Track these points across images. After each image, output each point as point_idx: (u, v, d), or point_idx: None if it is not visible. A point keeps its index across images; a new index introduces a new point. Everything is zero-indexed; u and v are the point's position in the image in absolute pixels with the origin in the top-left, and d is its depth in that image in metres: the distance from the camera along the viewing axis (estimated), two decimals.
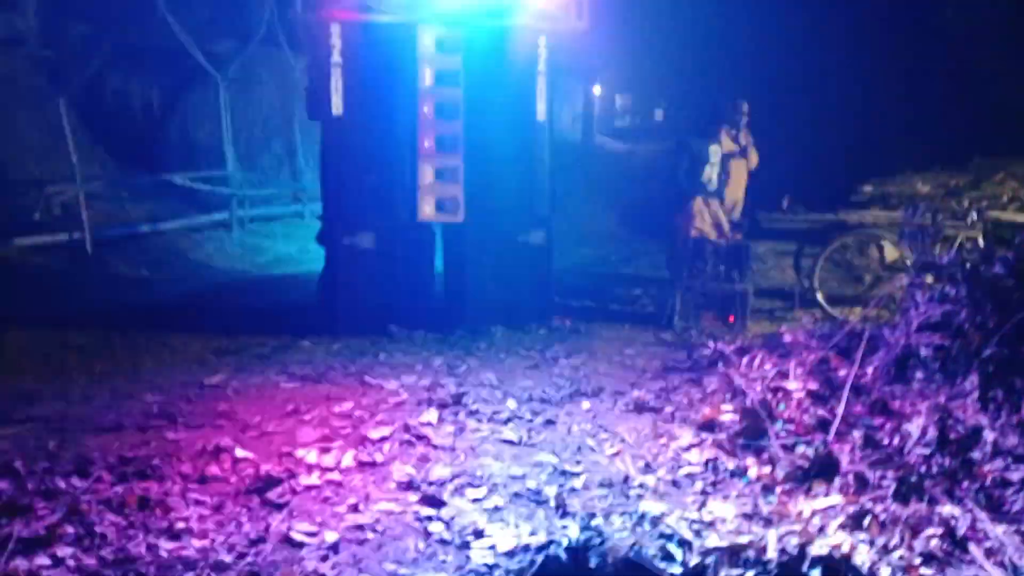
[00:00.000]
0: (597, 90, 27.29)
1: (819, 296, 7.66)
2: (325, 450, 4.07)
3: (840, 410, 4.01)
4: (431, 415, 4.61)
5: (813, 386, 4.33)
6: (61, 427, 4.48)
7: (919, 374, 4.64)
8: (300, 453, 4.03)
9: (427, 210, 6.76)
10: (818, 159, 14.11)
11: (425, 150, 6.68)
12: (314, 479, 3.76)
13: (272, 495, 3.58)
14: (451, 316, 6.90)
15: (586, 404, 4.93)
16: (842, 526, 3.37)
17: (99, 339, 6.58)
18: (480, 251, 6.87)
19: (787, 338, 4.77)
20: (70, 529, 3.23)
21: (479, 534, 3.27)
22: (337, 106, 6.32)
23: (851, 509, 3.48)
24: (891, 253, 8.13)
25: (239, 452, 4.02)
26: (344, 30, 6.25)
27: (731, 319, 7.14)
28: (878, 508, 3.49)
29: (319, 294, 7.04)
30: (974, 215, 7.79)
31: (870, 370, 4.54)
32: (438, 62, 6.59)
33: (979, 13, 14.87)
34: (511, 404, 4.88)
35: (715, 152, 7.48)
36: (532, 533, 3.27)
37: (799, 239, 8.67)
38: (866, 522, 3.39)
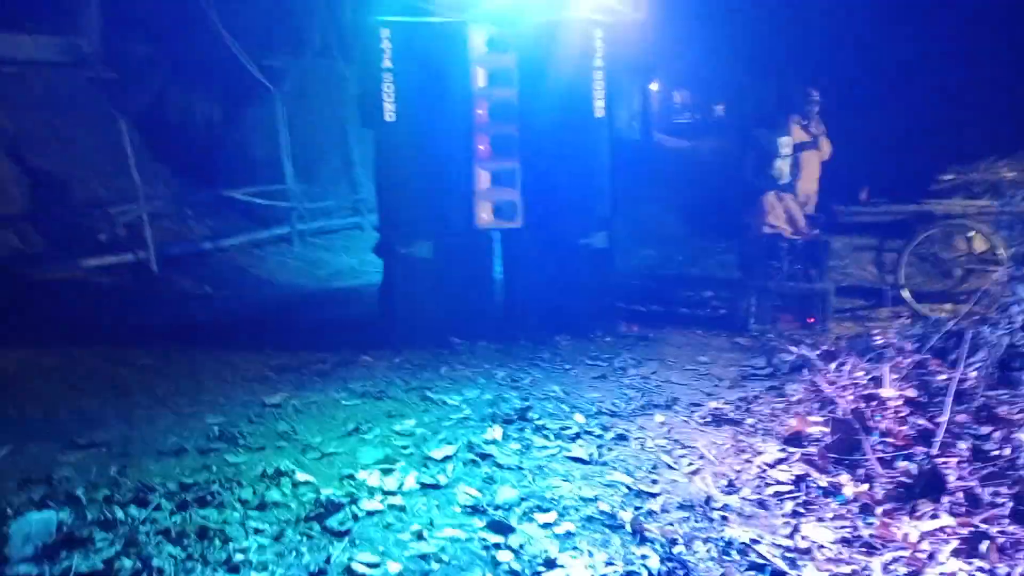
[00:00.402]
0: (654, 86, 26.79)
1: (905, 293, 7.18)
2: (387, 471, 3.88)
3: (944, 419, 3.63)
4: (495, 432, 4.38)
5: (911, 393, 3.96)
6: (124, 452, 4.40)
7: None
8: (361, 475, 3.84)
9: (484, 216, 6.55)
10: (894, 147, 13.44)
11: (480, 154, 6.47)
12: (376, 503, 3.57)
13: (333, 522, 3.40)
14: (513, 325, 6.67)
15: (660, 417, 4.63)
16: (956, 552, 3.02)
17: (163, 358, 6.54)
18: (540, 257, 6.63)
19: (878, 340, 4.39)
20: (127, 563, 3.10)
21: (551, 564, 3.03)
22: (389, 112, 6.15)
23: (964, 532, 3.12)
24: (980, 244, 7.60)
25: (300, 475, 3.86)
26: (394, 33, 6.09)
27: (811, 321, 6.73)
28: (995, 530, 3.12)
29: (379, 307, 6.89)
30: None
31: (972, 373, 4.13)
32: (491, 62, 6.38)
33: None
34: (579, 418, 4.62)
35: (785, 144, 7.07)
36: (608, 563, 3.00)
37: (880, 233, 8.19)
38: (983, 547, 3.03)
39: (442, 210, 6.44)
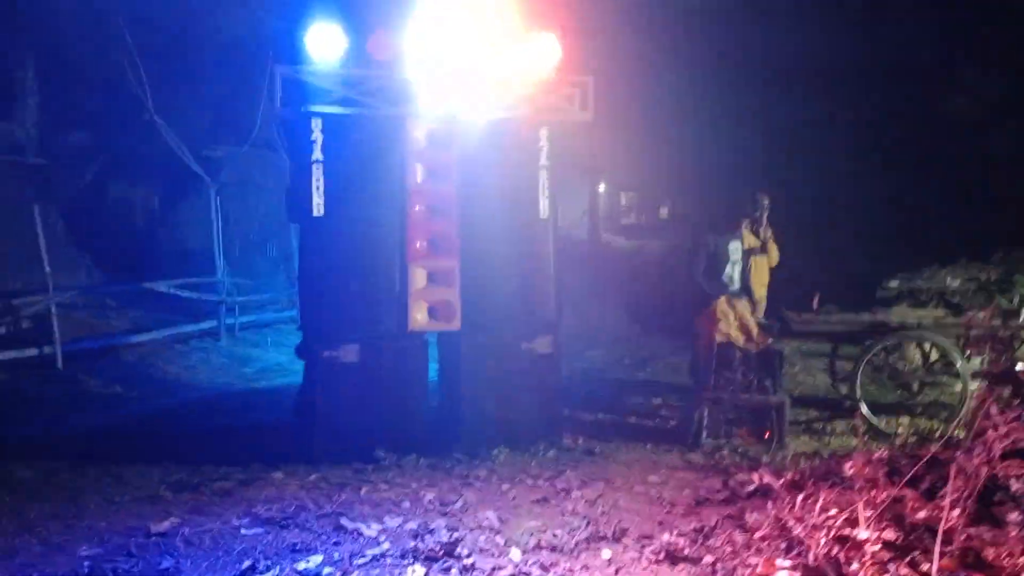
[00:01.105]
0: (601, 187, 27.12)
1: (863, 409, 6.82)
2: None
3: (934, 569, 3.15)
4: (416, 572, 3.76)
5: (889, 535, 3.48)
6: None
7: (1014, 515, 3.80)
8: None
9: (419, 318, 6.06)
10: (838, 254, 13.51)
11: (416, 252, 6.03)
12: None
13: None
14: (447, 437, 6.09)
15: (606, 553, 4.07)
16: None
17: (45, 472, 5.77)
18: (479, 362, 6.13)
19: (849, 470, 3.94)
20: None
21: None
22: (318, 206, 5.71)
23: None
24: (935, 356, 7.35)
25: None
26: (326, 125, 5.70)
27: (767, 435, 6.29)
28: None
29: (297, 414, 6.26)
30: None
31: (953, 510, 3.69)
32: (430, 157, 6.02)
33: (990, 102, 14.55)
34: (515, 555, 4.02)
35: (736, 249, 6.80)
36: None
37: (834, 341, 7.92)
38: None
39: (372, 311, 5.93)
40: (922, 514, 3.64)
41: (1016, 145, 13.51)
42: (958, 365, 6.80)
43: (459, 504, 4.88)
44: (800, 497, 3.97)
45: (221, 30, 13.74)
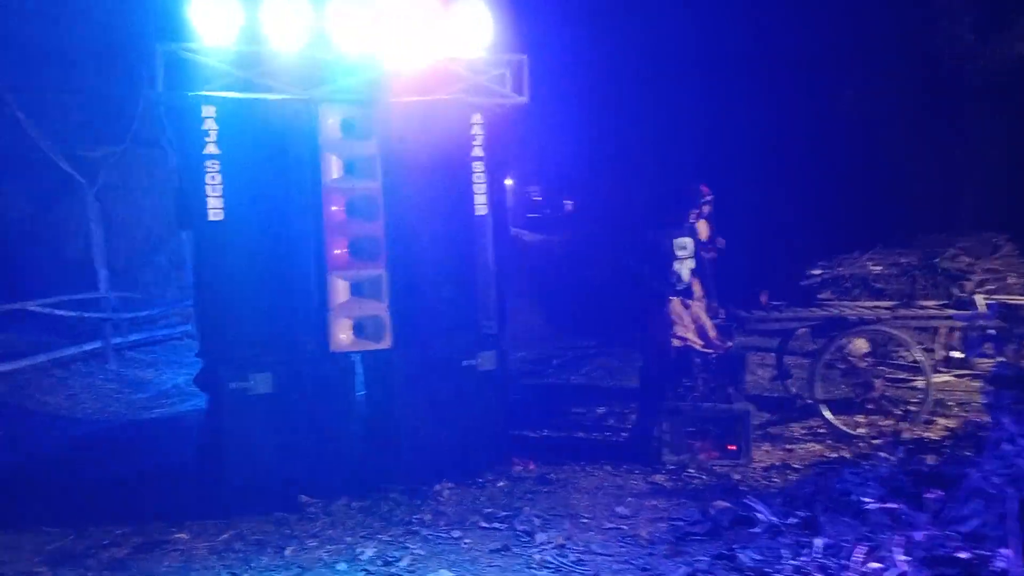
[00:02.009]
0: (509, 181, 26.56)
1: (826, 412, 6.39)
2: None
3: None
4: None
5: None
6: None
7: None
8: None
9: (342, 336, 5.21)
10: (757, 245, 13.27)
11: (336, 259, 5.18)
12: None
13: None
14: (381, 472, 5.29)
15: None
16: None
17: None
18: (415, 384, 5.34)
19: (869, 505, 3.37)
20: None
21: None
22: (215, 209, 4.78)
23: None
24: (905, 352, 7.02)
25: None
26: (221, 113, 4.78)
27: (731, 448, 5.75)
28: None
29: (202, 457, 5.32)
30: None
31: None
32: (347, 149, 5.17)
33: (887, 96, 14.64)
34: None
35: (684, 245, 6.24)
36: None
37: (783, 338, 7.50)
38: None
39: (286, 331, 5.05)
40: (963, 555, 3.10)
41: (927, 130, 13.63)
42: (919, 359, 6.46)
43: (405, 561, 4.11)
44: (819, 542, 3.37)
45: (93, 11, 12.35)
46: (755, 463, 5.73)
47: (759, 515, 4.01)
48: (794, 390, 7.71)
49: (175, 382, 10.27)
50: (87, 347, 10.44)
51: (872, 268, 11.88)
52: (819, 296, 10.80)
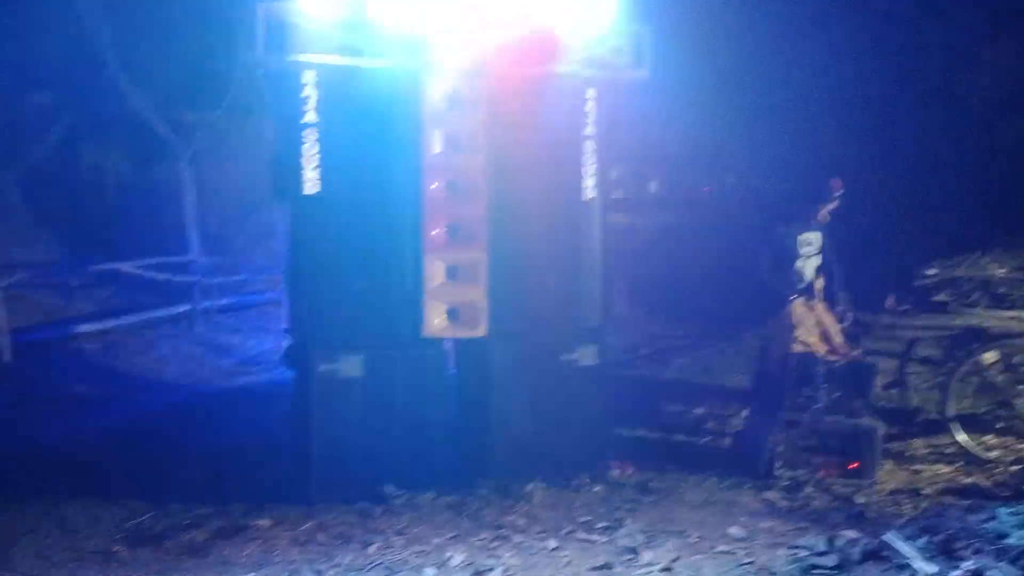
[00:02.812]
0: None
1: (961, 436, 5.77)
2: None
3: None
4: None
5: None
6: None
7: None
8: None
9: (436, 321, 4.90)
10: (868, 241, 12.43)
11: (433, 240, 4.85)
12: None
13: None
14: (470, 466, 4.98)
15: None
16: None
17: None
18: (509, 375, 5.01)
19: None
20: None
21: None
22: (311, 182, 4.51)
23: None
24: None
25: None
26: (321, 79, 4.49)
27: (852, 466, 5.23)
28: None
29: (286, 438, 5.12)
30: None
31: None
32: (451, 122, 4.82)
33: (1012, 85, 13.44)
34: None
35: (810, 241, 5.69)
36: None
37: (907, 344, 6.86)
38: None
39: (379, 313, 4.77)
40: None
41: None
42: None
43: (497, 572, 3.78)
44: None
45: None
46: (879, 484, 5.20)
47: (906, 558, 3.51)
48: (915, 402, 7.07)
49: (260, 349, 10.25)
50: (176, 310, 10.52)
51: (995, 271, 10.95)
52: (934, 299, 10.03)
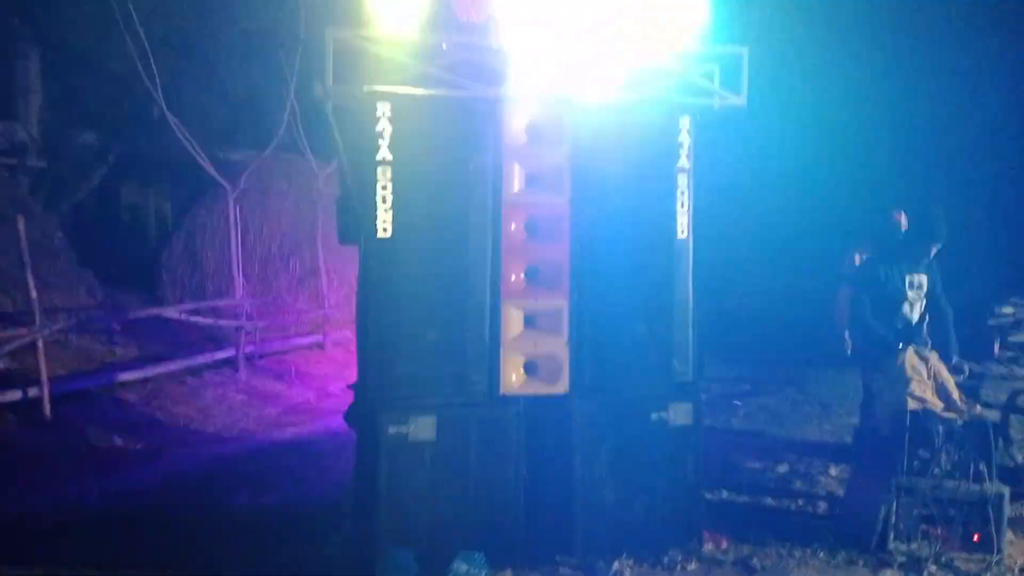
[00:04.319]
0: None
1: None
2: None
3: None
4: None
5: None
6: None
7: None
8: None
9: (514, 377, 4.44)
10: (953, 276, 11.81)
11: (511, 286, 4.41)
12: None
13: None
14: (550, 540, 4.47)
15: None
16: None
17: None
18: (594, 437, 4.51)
19: None
20: None
21: None
22: (385, 224, 4.11)
23: None
24: None
25: None
26: (397, 110, 4.10)
27: (976, 537, 4.63)
28: None
29: (350, 505, 4.65)
30: None
31: None
32: (532, 157, 4.41)
33: None
34: None
35: (919, 283, 5.18)
36: None
37: (1010, 396, 6.27)
38: None
39: (453, 369, 4.32)
40: None
41: None
42: None
43: None
44: None
45: (239, 19, 12.26)
46: (1007, 558, 4.60)
47: None
48: (1020, 459, 6.45)
49: (306, 396, 9.87)
50: (219, 355, 10.19)
51: None
52: (1011, 338, 9.37)
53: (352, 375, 4.51)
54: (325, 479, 6.06)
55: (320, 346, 12.04)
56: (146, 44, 9.57)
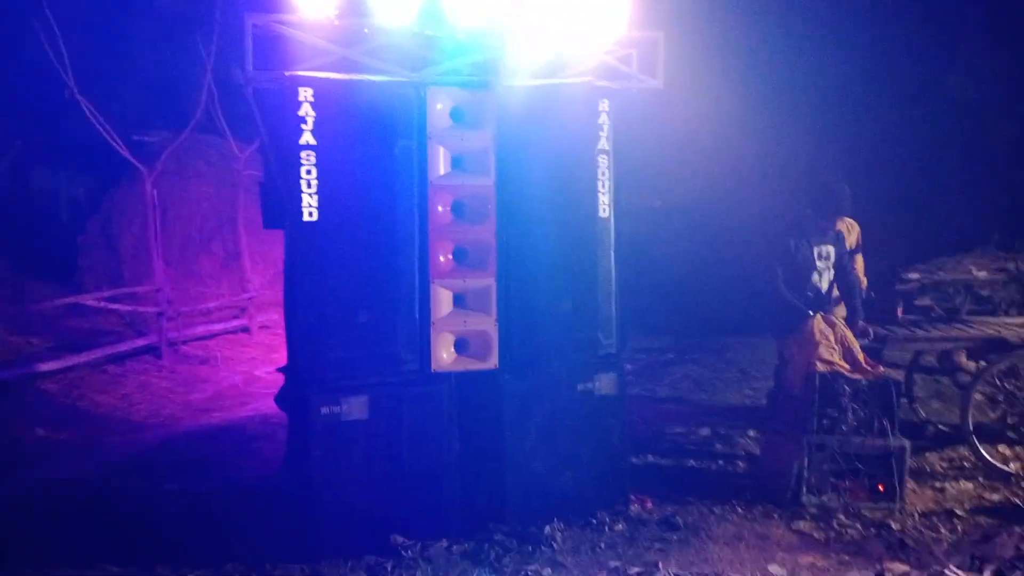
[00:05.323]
0: None
1: (976, 443, 5.62)
2: None
3: None
4: None
5: None
6: None
7: None
8: None
9: (445, 355, 4.55)
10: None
11: (440, 267, 4.51)
12: None
13: None
14: (485, 509, 4.63)
15: None
16: None
17: None
18: (523, 410, 4.67)
19: None
20: None
21: None
22: (310, 208, 4.14)
23: None
24: None
25: None
26: (320, 96, 4.13)
27: (880, 488, 5.00)
28: None
29: (283, 486, 4.71)
30: None
31: None
32: (457, 140, 4.50)
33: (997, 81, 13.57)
34: None
35: (827, 254, 5.50)
36: None
37: (914, 357, 6.74)
38: None
39: (384, 349, 4.40)
40: None
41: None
42: None
43: None
44: None
45: None
46: (909, 506, 4.98)
47: None
48: (923, 414, 6.93)
49: (233, 381, 9.76)
50: (141, 342, 9.98)
51: (976, 273, 10.92)
52: (916, 302, 9.96)
53: (280, 358, 4.55)
54: (257, 463, 6.07)
55: (246, 330, 11.87)
56: (54, 25, 9.21)
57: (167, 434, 7.29)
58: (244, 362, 10.68)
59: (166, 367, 9.87)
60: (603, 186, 4.69)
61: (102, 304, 9.55)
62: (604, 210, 4.71)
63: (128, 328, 10.57)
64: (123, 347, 9.58)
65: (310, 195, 4.13)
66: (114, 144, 10.32)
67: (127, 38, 11.34)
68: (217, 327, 11.60)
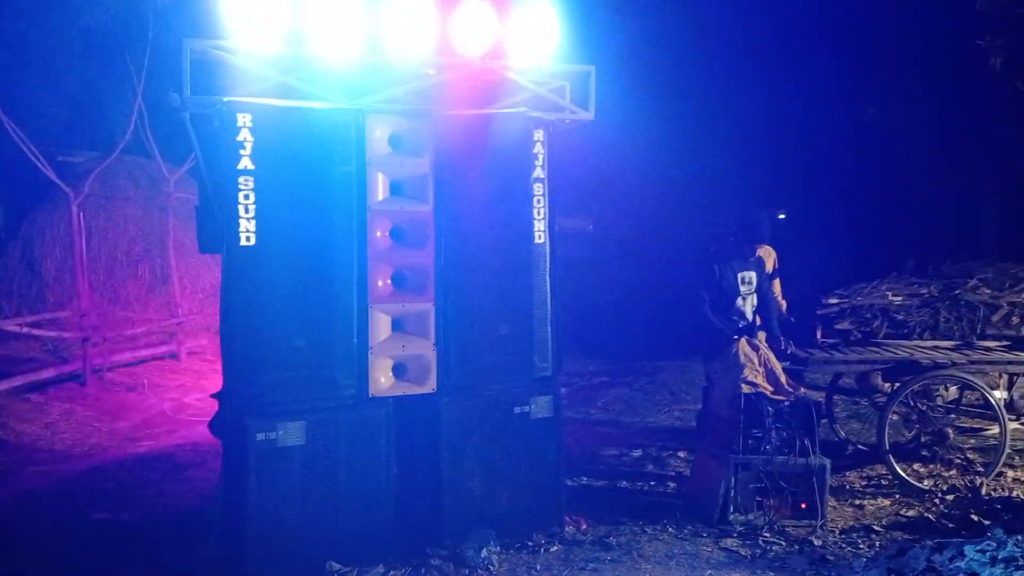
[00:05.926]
0: None
1: (892, 460, 5.90)
2: None
3: None
4: None
5: None
6: None
7: None
8: None
9: (382, 380, 4.59)
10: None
11: (378, 292, 4.56)
12: None
13: None
14: (421, 533, 4.65)
15: None
16: None
17: None
18: (460, 434, 4.73)
19: None
20: None
21: None
22: (248, 232, 4.15)
23: None
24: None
25: None
26: (258, 121, 4.15)
27: (803, 506, 5.20)
28: None
29: (216, 514, 4.63)
30: None
31: None
32: (396, 167, 4.57)
33: (907, 115, 14.34)
34: None
35: (749, 279, 5.74)
36: None
37: (833, 378, 7.04)
38: None
39: (321, 374, 4.41)
40: None
41: (946, 154, 13.34)
42: (997, 407, 5.98)
43: None
44: None
45: (79, 17, 11.60)
46: (830, 523, 5.20)
47: None
48: (843, 434, 7.22)
49: (160, 408, 9.51)
50: (65, 369, 9.66)
51: (892, 298, 11.47)
52: (836, 326, 10.40)
53: (211, 385, 4.51)
54: (188, 491, 5.95)
55: (174, 356, 11.58)
56: None
57: (93, 463, 7.06)
58: (173, 389, 10.42)
59: (91, 395, 9.56)
60: (539, 213, 4.82)
61: (24, 329, 9.22)
62: (540, 236, 4.84)
63: (51, 355, 10.22)
64: (46, 374, 9.26)
65: (248, 220, 4.14)
66: (38, 164, 10.02)
67: (52, 54, 11.04)
68: (144, 353, 11.29)
